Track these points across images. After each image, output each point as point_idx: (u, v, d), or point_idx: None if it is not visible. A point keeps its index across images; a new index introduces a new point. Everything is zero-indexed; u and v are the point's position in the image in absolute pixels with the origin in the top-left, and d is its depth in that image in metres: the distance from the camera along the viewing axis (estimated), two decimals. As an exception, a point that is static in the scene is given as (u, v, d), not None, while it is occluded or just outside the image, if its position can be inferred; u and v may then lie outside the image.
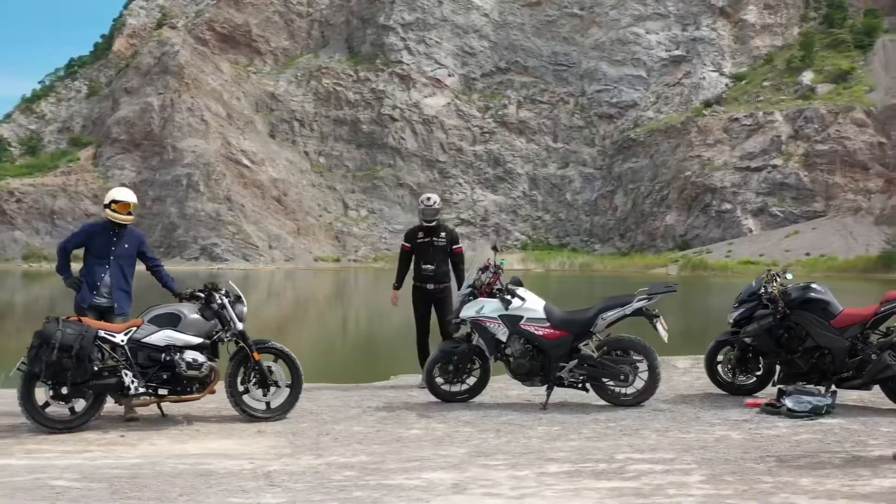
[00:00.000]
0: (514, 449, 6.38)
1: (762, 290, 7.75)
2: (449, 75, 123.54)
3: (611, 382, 7.63)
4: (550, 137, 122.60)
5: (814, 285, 7.89)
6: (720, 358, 8.30)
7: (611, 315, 7.69)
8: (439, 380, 8.18)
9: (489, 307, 7.85)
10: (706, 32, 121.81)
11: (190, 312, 7.35)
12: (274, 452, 6.43)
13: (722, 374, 8.07)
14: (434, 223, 9.39)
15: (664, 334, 7.72)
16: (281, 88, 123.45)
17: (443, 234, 9.39)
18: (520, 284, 8.23)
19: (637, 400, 7.51)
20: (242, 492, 5.28)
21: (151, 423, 7.56)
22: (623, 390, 7.61)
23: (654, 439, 6.57)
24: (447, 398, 8.04)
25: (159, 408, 7.73)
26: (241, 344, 7.44)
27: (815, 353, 7.38)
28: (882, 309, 7.33)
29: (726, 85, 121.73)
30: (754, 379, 7.96)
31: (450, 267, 9.40)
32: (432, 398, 8.41)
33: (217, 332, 7.46)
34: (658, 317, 7.74)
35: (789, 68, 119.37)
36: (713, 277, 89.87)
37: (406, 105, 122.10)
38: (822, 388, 7.26)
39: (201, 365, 7.17)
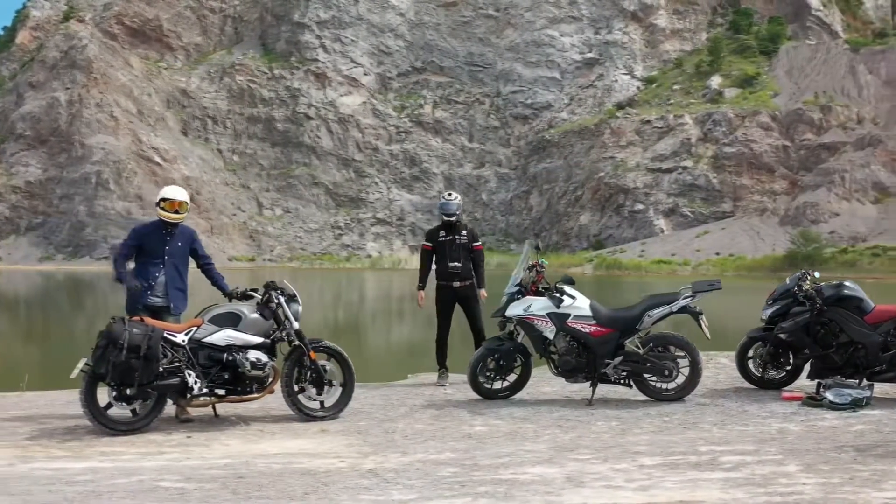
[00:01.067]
0: (590, 444, 6.51)
1: (797, 289, 8.08)
2: (365, 74, 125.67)
3: (654, 378, 7.92)
4: (466, 137, 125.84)
5: (847, 283, 8.21)
6: (750, 353, 8.66)
7: (657, 312, 7.98)
8: (481, 378, 8.31)
9: (537, 305, 8.05)
10: (618, 36, 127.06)
11: (250, 312, 7.40)
12: (355, 451, 6.47)
13: (752, 368, 8.44)
14: (454, 219, 9.50)
15: (707, 332, 8.13)
16: (193, 85, 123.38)
17: (464, 232, 9.53)
18: (571, 283, 8.52)
19: (678, 395, 7.83)
20: (366, 489, 5.33)
21: (207, 424, 7.53)
22: (665, 386, 7.91)
23: (719, 432, 6.79)
24: (489, 395, 8.22)
25: (213, 409, 7.76)
26: (298, 343, 7.47)
27: (849, 348, 7.79)
28: None
29: (638, 88, 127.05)
30: (784, 374, 8.32)
31: (471, 267, 9.55)
32: (468, 396, 8.60)
33: (274, 332, 7.50)
34: (702, 314, 8.09)
35: (698, 72, 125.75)
36: (628, 277, 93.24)
37: (321, 103, 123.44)
38: (858, 382, 7.68)
39: (265, 365, 7.23)
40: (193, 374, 7.02)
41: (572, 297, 8.09)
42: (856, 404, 7.20)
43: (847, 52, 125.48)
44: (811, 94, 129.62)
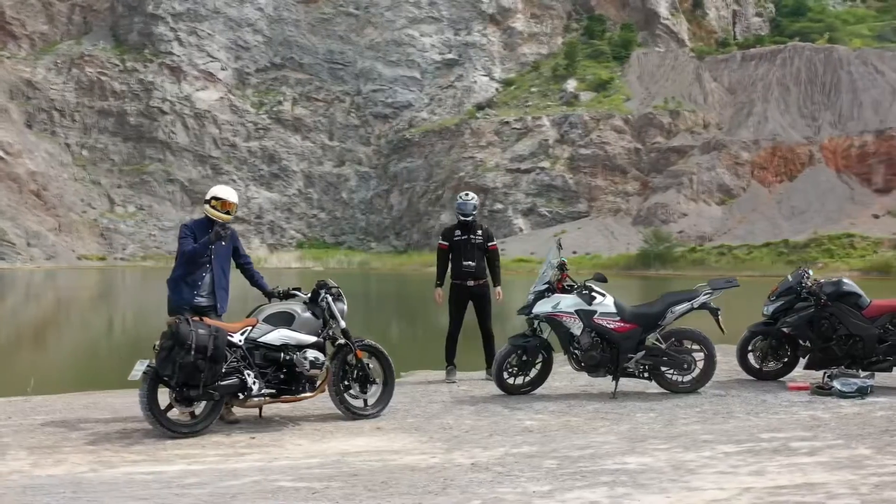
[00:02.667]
0: (655, 434, 6.82)
1: (800, 285, 8.79)
2: (222, 69, 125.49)
3: (671, 371, 8.47)
4: (326, 135, 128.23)
5: (845, 280, 9.04)
6: (750, 346, 9.39)
7: (680, 309, 8.53)
8: (505, 374, 8.67)
9: (566, 302, 8.52)
10: (477, 38, 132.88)
11: (302, 311, 7.55)
12: (432, 446, 6.62)
13: (752, 360, 9.18)
14: (471, 219, 9.93)
15: (723, 327, 8.79)
16: (39, 76, 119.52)
17: (479, 232, 9.95)
18: (604, 280, 9.11)
19: (694, 387, 8.42)
20: (493, 483, 5.49)
21: (257, 425, 7.60)
22: (682, 378, 8.47)
23: (759, 420, 7.23)
24: (512, 391, 8.59)
25: (259, 409, 7.92)
26: (344, 342, 7.67)
27: (849, 340, 8.58)
28: None
29: (496, 89, 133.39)
30: (781, 365, 9.10)
31: (485, 266, 9.98)
32: (486, 391, 8.98)
33: (323, 330, 7.70)
34: (719, 310, 8.69)
35: (555, 76, 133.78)
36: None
37: (177, 98, 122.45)
38: (856, 371, 8.46)
39: (322, 364, 7.42)
40: (252, 375, 7.11)
41: (602, 295, 8.63)
42: (861, 392, 8.01)
43: (693, 59, 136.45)
44: (661, 99, 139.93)
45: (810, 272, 9.13)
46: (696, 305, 8.73)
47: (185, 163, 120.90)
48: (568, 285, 8.81)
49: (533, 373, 8.85)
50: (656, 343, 8.47)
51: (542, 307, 8.61)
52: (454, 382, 9.79)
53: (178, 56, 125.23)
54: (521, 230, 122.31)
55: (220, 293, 7.96)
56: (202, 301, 7.85)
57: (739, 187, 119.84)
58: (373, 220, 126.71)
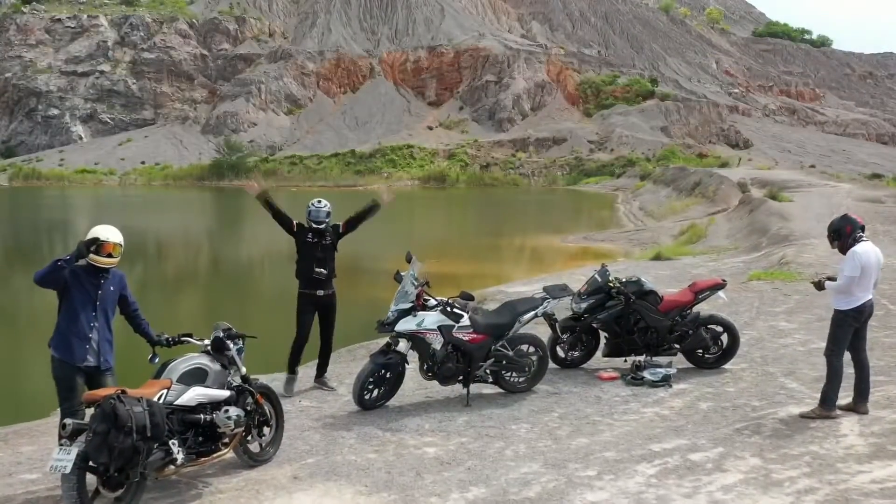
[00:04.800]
0: (554, 449, 7.25)
1: (608, 285, 9.80)
2: None
3: (514, 374, 9.13)
4: None
5: (643, 279, 10.13)
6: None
7: (527, 317, 9.17)
8: (365, 391, 8.67)
9: (430, 320, 8.67)
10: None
11: (212, 364, 7.06)
12: (382, 501, 6.43)
13: (560, 351, 10.10)
14: (324, 226, 9.46)
15: (559, 331, 9.94)
16: None
17: (328, 234, 9.48)
18: (471, 298, 9.50)
19: (530, 385, 9.19)
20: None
21: (165, 490, 6.77)
22: (519, 379, 9.13)
23: (620, 425, 7.87)
24: (369, 406, 8.62)
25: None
26: (245, 387, 7.25)
27: (647, 331, 9.71)
28: (698, 298, 9.89)
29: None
30: (583, 353, 10.17)
31: (335, 266, 9.63)
32: (336, 408, 8.83)
33: (228, 378, 7.25)
34: (554, 315, 9.66)
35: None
36: (50, 187, 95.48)
37: None
38: (654, 359, 9.73)
39: (244, 420, 7.00)
40: (176, 443, 6.50)
41: (465, 313, 8.86)
42: (665, 380, 9.09)
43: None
44: (226, 4, 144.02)
45: (609, 271, 10.22)
46: (539, 313, 9.34)
47: None
48: (437, 304, 8.87)
49: (384, 387, 8.85)
50: (503, 350, 9.03)
51: (406, 325, 8.65)
52: (291, 396, 9.33)
53: None
54: (81, 138, 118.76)
55: (106, 346, 7.06)
56: (92, 361, 6.96)
57: (306, 97, 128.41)
58: None
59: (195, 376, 6.89)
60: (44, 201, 69.99)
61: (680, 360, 9.93)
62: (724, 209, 37.85)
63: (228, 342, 7.16)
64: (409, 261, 9.02)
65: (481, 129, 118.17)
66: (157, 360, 6.93)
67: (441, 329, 8.73)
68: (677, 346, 9.90)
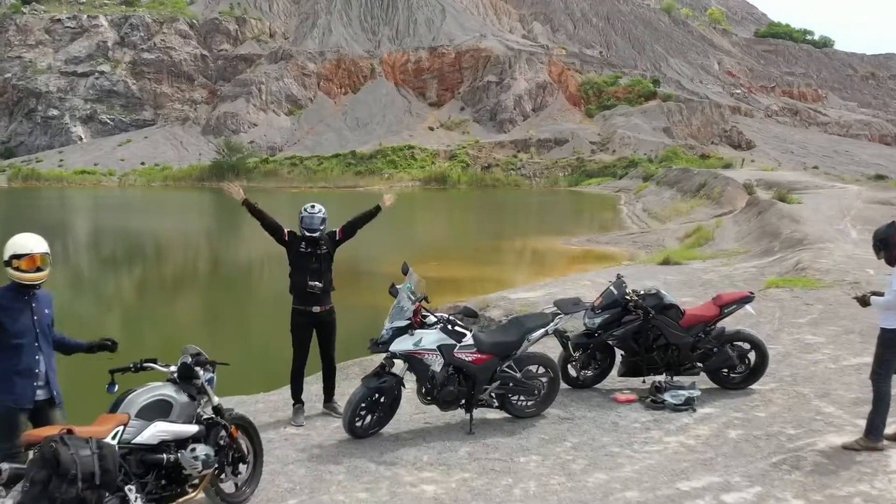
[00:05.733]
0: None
1: (624, 298, 8.90)
2: None
3: (522, 397, 8.23)
4: None
5: (662, 291, 9.21)
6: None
7: (536, 335, 8.21)
8: (357, 418, 7.81)
9: (428, 339, 7.80)
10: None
11: (178, 395, 6.00)
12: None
13: (571, 371, 9.14)
14: (318, 234, 8.45)
15: (573, 349, 9.02)
16: None
17: (323, 242, 8.49)
18: (474, 315, 8.69)
19: (539, 410, 8.26)
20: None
21: None
22: (528, 403, 8.23)
23: (644, 458, 6.95)
24: (361, 434, 7.73)
25: None
26: (217, 420, 6.27)
27: (667, 349, 8.81)
28: (724, 312, 8.96)
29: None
30: (596, 373, 9.23)
31: (333, 277, 8.64)
32: (329, 436, 7.90)
33: (196, 410, 6.24)
34: (567, 333, 8.91)
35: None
36: (48, 188, 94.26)
37: None
38: (675, 380, 8.84)
39: (214, 461, 6.05)
40: (133, 489, 5.57)
41: (467, 331, 8.03)
42: (688, 403, 8.20)
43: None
44: (226, 4, 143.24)
45: (625, 283, 9.29)
46: (550, 331, 8.46)
47: None
48: (424, 316, 7.94)
49: (378, 413, 7.93)
50: (510, 371, 8.15)
51: (402, 345, 7.72)
52: (302, 425, 8.26)
53: None
54: (80, 139, 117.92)
55: (53, 377, 6.09)
56: (42, 395, 6.02)
57: (307, 98, 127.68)
58: None
59: (158, 409, 5.85)
60: (39, 202, 69.16)
61: (703, 380, 9.05)
62: (731, 211, 37.03)
63: (197, 369, 6.13)
64: (405, 273, 8.11)
65: (482, 129, 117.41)
66: (115, 389, 5.84)
67: (441, 349, 7.82)
68: (700, 364, 8.99)
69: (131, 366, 5.99)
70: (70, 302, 22.50)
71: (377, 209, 8.87)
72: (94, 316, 21.89)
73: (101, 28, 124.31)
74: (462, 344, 7.92)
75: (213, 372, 6.29)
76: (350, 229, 8.76)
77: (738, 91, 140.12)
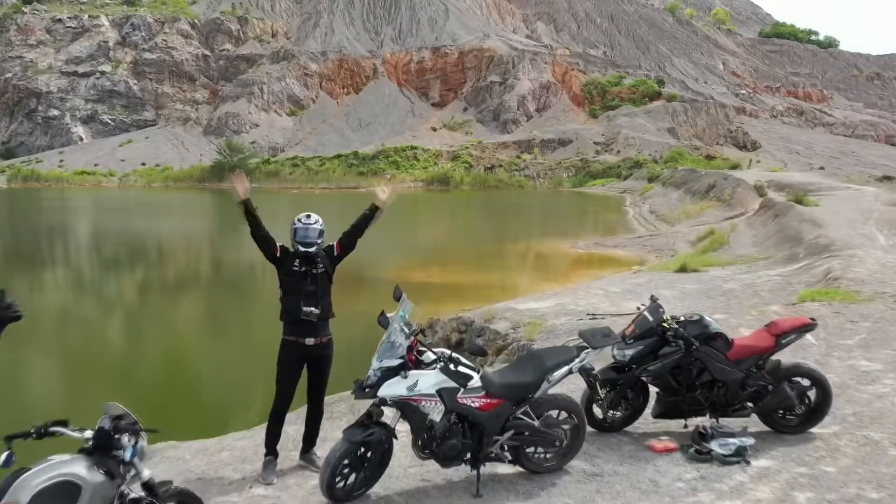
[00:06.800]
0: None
1: (663, 327, 7.48)
2: None
3: (540, 449, 6.83)
4: None
5: (706, 319, 7.69)
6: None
7: (557, 375, 6.75)
8: (338, 478, 6.39)
9: (426, 382, 6.28)
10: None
11: (90, 474, 4.53)
12: None
13: (597, 411, 7.71)
14: (314, 249, 7.01)
15: (601, 392, 7.53)
16: None
17: (319, 260, 7.03)
18: (483, 353, 7.46)
19: (560, 464, 6.87)
20: None
21: None
22: (547, 455, 6.85)
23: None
24: (343, 499, 6.35)
25: None
26: (149, 501, 4.90)
27: (712, 387, 7.41)
28: (780, 342, 7.48)
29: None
30: (627, 413, 7.78)
31: (331, 299, 7.09)
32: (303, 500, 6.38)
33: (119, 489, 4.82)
34: (595, 371, 7.26)
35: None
36: (48, 189, 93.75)
37: None
38: (722, 424, 7.41)
39: None
40: None
41: (474, 371, 6.54)
42: (740, 454, 6.86)
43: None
44: (228, 4, 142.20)
45: (662, 307, 7.78)
46: (575, 369, 6.88)
47: None
48: (420, 353, 6.43)
49: (367, 470, 6.48)
50: (526, 418, 6.68)
51: (394, 389, 6.18)
52: (272, 483, 6.80)
53: None
54: (81, 139, 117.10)
55: None
56: None
57: (309, 98, 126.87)
58: None
59: (60, 495, 4.28)
60: (35, 204, 68.01)
61: (752, 421, 7.53)
62: (742, 213, 35.64)
63: (119, 437, 4.59)
64: (397, 299, 6.52)
65: (486, 130, 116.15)
66: (14, 461, 4.17)
67: (442, 393, 6.30)
68: (751, 405, 7.46)
69: (31, 431, 4.43)
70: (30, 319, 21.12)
71: (374, 210, 7.29)
72: (55, 329, 20.53)
73: (102, 28, 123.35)
74: (468, 387, 6.39)
75: (141, 440, 4.74)
76: (348, 242, 7.22)
77: (743, 91, 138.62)
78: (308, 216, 7.02)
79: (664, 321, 7.53)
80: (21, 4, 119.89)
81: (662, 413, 7.67)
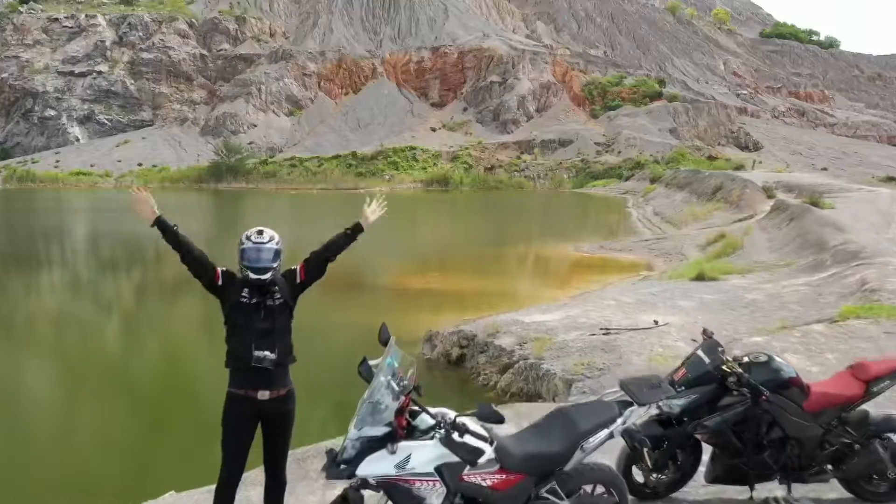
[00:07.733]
0: None
1: (722, 371, 5.98)
2: None
3: None
4: None
5: (777, 360, 6.16)
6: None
7: (594, 443, 5.23)
8: None
9: (421, 457, 4.69)
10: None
11: None
12: None
13: (637, 474, 6.28)
14: (269, 277, 5.33)
15: (650, 460, 6.09)
16: None
17: (276, 289, 5.37)
18: (500, 421, 4.77)
19: None
20: None
21: None
22: None
23: None
24: None
25: None
26: None
27: (784, 445, 5.95)
28: (871, 390, 6.00)
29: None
30: (675, 477, 6.36)
31: (291, 340, 5.45)
32: None
33: None
34: (644, 440, 5.55)
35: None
36: (43, 190, 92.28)
37: None
38: (800, 491, 5.99)
39: None
40: None
41: (486, 442, 4.91)
42: None
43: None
44: (226, 3, 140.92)
45: (721, 345, 6.20)
46: (617, 433, 5.35)
47: None
48: (413, 415, 4.78)
49: None
50: (552, 497, 5.15)
51: (379, 467, 4.57)
52: None
53: None
54: (77, 140, 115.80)
55: None
56: None
57: (307, 98, 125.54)
58: None
59: None
60: (31, 205, 66.60)
61: (832, 486, 5.93)
62: (751, 216, 34.23)
63: None
64: (384, 343, 4.83)
65: (485, 130, 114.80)
66: None
67: (442, 472, 4.58)
68: (832, 467, 5.89)
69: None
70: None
71: (356, 229, 5.63)
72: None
73: (99, 27, 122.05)
74: (479, 463, 4.66)
75: None
76: (316, 266, 5.49)
77: (744, 92, 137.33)
78: (260, 232, 5.32)
79: (724, 363, 5.87)
80: (17, 4, 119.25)
81: (719, 477, 6.10)
